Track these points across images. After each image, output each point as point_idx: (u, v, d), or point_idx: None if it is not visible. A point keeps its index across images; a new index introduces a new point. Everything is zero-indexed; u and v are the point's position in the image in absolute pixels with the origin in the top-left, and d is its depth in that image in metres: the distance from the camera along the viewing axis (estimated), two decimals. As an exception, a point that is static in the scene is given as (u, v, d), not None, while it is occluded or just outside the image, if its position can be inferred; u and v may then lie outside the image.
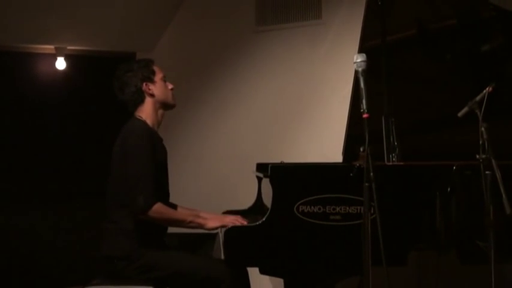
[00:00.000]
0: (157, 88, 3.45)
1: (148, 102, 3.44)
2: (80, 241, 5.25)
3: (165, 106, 3.50)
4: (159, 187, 3.31)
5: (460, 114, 3.17)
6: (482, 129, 2.98)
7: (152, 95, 3.44)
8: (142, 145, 3.27)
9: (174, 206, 3.53)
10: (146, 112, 3.43)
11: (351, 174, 3.08)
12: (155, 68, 3.48)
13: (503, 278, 3.71)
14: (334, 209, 3.14)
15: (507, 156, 3.20)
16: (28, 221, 5.37)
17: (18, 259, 5.26)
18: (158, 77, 3.47)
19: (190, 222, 3.36)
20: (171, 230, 3.51)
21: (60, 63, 5.40)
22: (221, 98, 5.42)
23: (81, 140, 5.53)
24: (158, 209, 3.24)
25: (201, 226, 3.37)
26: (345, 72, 4.37)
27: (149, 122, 3.42)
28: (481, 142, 2.98)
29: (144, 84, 3.42)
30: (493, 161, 2.94)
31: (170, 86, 3.52)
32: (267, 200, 3.52)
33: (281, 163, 3.78)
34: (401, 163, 3.50)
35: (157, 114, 3.47)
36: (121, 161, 3.30)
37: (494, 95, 3.07)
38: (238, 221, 3.35)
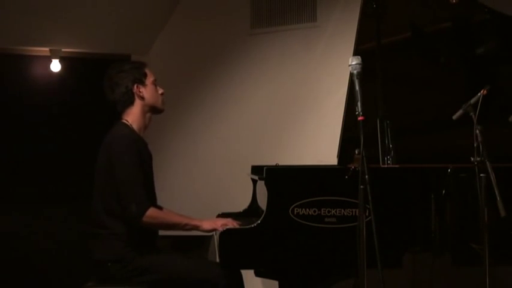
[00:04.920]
0: (148, 91, 3.44)
1: (137, 105, 3.43)
2: (71, 245, 5.24)
3: (153, 110, 3.49)
4: (148, 192, 3.31)
5: (454, 116, 3.18)
6: (477, 131, 2.99)
7: (142, 98, 3.43)
8: (128, 152, 3.26)
9: (160, 209, 3.52)
10: (134, 115, 3.42)
11: (346, 177, 3.08)
12: (147, 71, 3.47)
13: (497, 280, 3.72)
14: (329, 212, 3.14)
15: (502, 158, 3.21)
16: (19, 225, 5.34)
17: (7, 264, 5.22)
18: (149, 80, 3.46)
19: (185, 225, 3.36)
20: (165, 232, 3.51)
21: (55, 66, 5.38)
22: (216, 100, 5.42)
23: (76, 143, 5.51)
24: (152, 214, 3.24)
25: (196, 228, 3.37)
26: (340, 74, 4.39)
27: (135, 126, 3.41)
28: (475, 145, 2.99)
29: (135, 86, 3.41)
30: (488, 163, 2.94)
31: (161, 91, 3.51)
32: (262, 202, 3.52)
33: (276, 165, 3.79)
34: (396, 165, 3.51)
35: (145, 117, 3.46)
36: (107, 168, 3.29)
37: (488, 97, 3.07)
38: (232, 223, 3.35)
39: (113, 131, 3.38)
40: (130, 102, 3.42)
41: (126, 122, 3.40)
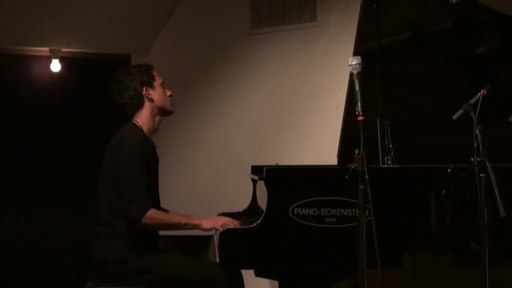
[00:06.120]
0: (157, 93, 3.45)
1: (147, 107, 3.43)
2: (72, 245, 5.24)
3: (163, 112, 3.49)
4: (150, 194, 3.31)
5: (454, 116, 3.18)
6: (477, 131, 2.99)
7: (151, 100, 3.43)
8: (135, 153, 3.27)
9: (165, 211, 3.52)
10: (144, 117, 3.43)
11: (346, 177, 3.08)
12: (155, 74, 3.48)
13: (497, 280, 3.72)
14: (329, 212, 3.14)
15: (502, 158, 3.21)
16: (19, 224, 5.35)
17: (6, 263, 5.22)
18: (157, 82, 3.47)
19: (186, 224, 3.36)
20: (165, 232, 3.51)
21: (55, 66, 5.39)
22: (216, 100, 5.42)
23: (76, 143, 5.51)
24: (152, 215, 3.25)
25: (197, 227, 3.37)
26: (340, 74, 4.38)
27: (145, 128, 3.41)
28: (475, 145, 2.99)
29: (143, 88, 3.41)
30: (488, 163, 2.94)
31: (169, 93, 3.52)
32: (262, 202, 3.52)
33: (276, 165, 3.79)
34: (396, 165, 3.51)
35: (154, 120, 3.47)
36: (113, 167, 3.30)
37: (488, 97, 3.07)
38: (233, 222, 3.36)
39: (121, 131, 3.38)
40: (140, 105, 3.43)
41: (136, 124, 3.41)
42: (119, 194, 3.26)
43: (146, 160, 3.32)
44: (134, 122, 3.42)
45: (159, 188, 3.53)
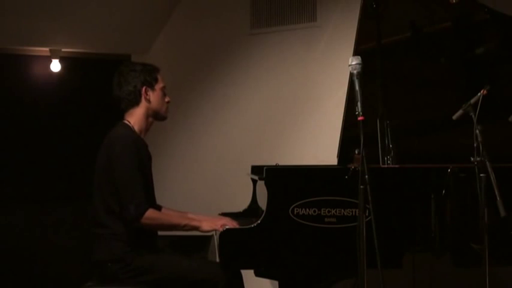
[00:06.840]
0: (155, 96, 3.44)
1: (142, 107, 3.43)
2: (72, 245, 5.24)
3: (156, 116, 3.48)
4: (147, 194, 3.31)
5: (454, 116, 3.18)
6: (477, 131, 2.99)
7: (148, 101, 3.43)
8: (128, 153, 3.26)
9: (159, 208, 3.52)
10: (137, 116, 3.42)
11: (346, 177, 3.08)
12: (159, 77, 3.48)
13: (497, 280, 3.72)
14: (329, 212, 3.14)
15: (502, 158, 3.21)
16: (19, 224, 5.35)
17: (7, 263, 5.22)
18: (159, 86, 3.46)
19: (185, 225, 3.36)
20: (165, 232, 3.51)
21: (55, 66, 5.39)
22: (216, 100, 5.42)
23: (76, 143, 5.51)
24: (150, 215, 3.24)
25: (196, 228, 3.37)
26: (340, 74, 4.39)
27: (137, 127, 3.41)
28: (475, 145, 2.99)
29: (143, 88, 3.41)
30: (488, 163, 2.94)
31: (167, 99, 3.51)
32: (262, 202, 3.52)
33: (276, 165, 3.79)
34: (396, 165, 3.51)
35: (147, 121, 3.46)
36: (107, 168, 3.29)
37: (488, 97, 3.07)
38: (232, 223, 3.36)
39: (113, 131, 3.38)
40: (136, 103, 3.42)
41: (128, 123, 3.40)
42: (115, 195, 3.25)
43: (139, 159, 3.31)
44: (126, 121, 3.41)
45: (157, 187, 3.52)
